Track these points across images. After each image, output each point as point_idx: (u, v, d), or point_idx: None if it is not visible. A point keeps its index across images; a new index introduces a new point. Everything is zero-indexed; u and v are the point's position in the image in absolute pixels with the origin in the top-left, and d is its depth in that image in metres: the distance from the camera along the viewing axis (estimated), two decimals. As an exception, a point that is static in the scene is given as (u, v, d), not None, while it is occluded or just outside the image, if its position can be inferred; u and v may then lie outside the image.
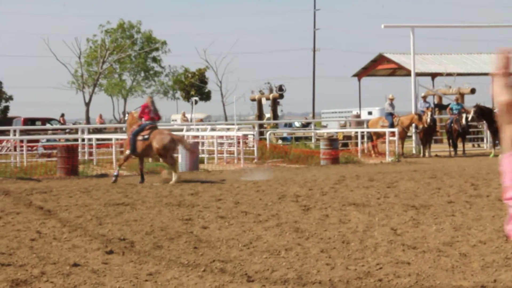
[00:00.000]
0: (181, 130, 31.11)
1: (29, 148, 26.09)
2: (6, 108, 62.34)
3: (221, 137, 27.82)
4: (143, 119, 19.30)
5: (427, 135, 28.69)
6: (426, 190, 15.77)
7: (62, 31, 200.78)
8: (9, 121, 48.75)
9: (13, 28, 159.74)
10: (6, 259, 8.95)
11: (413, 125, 29.10)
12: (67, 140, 29.54)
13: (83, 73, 62.10)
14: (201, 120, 52.52)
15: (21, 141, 25.43)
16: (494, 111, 26.31)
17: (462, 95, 36.79)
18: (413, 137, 29.96)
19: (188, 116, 48.33)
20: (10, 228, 11.37)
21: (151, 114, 19.43)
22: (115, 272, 8.28)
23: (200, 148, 25.90)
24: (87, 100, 59.92)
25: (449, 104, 32.03)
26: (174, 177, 18.38)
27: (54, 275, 8.14)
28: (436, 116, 31.94)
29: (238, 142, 25.94)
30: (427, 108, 28.95)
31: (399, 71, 44.33)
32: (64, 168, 21.54)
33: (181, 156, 23.01)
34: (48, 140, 28.91)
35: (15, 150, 25.04)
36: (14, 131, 28.53)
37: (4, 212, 13.20)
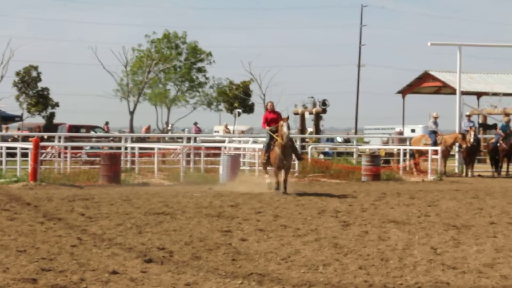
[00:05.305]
0: (223, 141, 31.21)
1: (73, 155, 26.39)
2: (52, 115, 63.03)
3: (263, 150, 27.77)
4: None
5: (470, 155, 28.37)
6: (468, 210, 15.60)
7: (110, 40, 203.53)
8: (55, 128, 49.40)
9: (62, 35, 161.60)
10: (47, 264, 9.07)
11: (457, 144, 28.80)
12: (110, 148, 29.83)
13: (128, 82, 62.59)
14: (243, 132, 52.64)
15: (66, 147, 25.77)
16: None
17: (507, 115, 36.32)
18: (456, 156, 29.62)
19: (231, 128, 48.53)
20: (51, 234, 11.52)
21: None
22: (153, 281, 8.34)
23: (241, 160, 25.91)
24: (131, 109, 60.39)
25: (495, 124, 31.65)
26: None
27: (93, 282, 8.23)
28: (480, 136, 31.52)
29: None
30: (471, 127, 28.65)
31: (444, 89, 43.98)
32: (107, 176, 21.76)
33: (221, 167, 23.07)
34: (91, 148, 29.22)
35: (59, 156, 25.33)
36: (59, 137, 28.91)
37: (46, 218, 13.39)
